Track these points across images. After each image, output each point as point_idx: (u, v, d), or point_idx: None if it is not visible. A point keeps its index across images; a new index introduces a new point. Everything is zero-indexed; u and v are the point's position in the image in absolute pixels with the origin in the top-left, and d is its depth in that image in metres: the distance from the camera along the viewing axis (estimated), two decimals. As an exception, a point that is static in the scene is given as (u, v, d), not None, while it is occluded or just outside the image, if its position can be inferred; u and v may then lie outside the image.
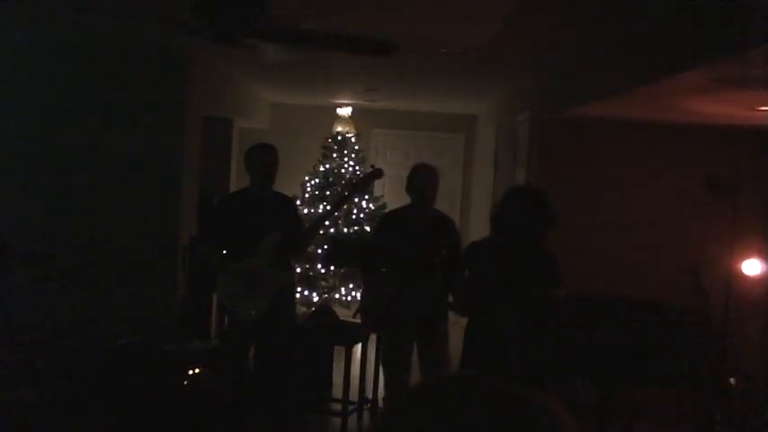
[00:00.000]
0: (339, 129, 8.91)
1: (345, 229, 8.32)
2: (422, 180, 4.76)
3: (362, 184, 5.41)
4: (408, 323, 4.53)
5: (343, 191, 5.72)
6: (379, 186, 8.98)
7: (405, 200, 9.54)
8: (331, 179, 8.50)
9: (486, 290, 3.75)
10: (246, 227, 4.57)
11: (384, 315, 4.57)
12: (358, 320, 5.83)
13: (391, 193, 9.45)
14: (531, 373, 3.06)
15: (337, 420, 5.05)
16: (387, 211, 5.01)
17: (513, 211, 3.73)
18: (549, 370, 3.21)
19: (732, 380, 4.73)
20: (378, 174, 5.20)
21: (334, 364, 5.97)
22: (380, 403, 5.12)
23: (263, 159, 4.59)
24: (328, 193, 8.42)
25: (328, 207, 8.32)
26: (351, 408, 5.07)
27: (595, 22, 4.29)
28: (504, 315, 3.42)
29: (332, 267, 8.10)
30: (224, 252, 4.65)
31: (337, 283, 8.30)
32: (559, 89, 5.48)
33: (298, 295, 8.18)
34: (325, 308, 7.79)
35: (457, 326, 4.60)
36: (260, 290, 4.51)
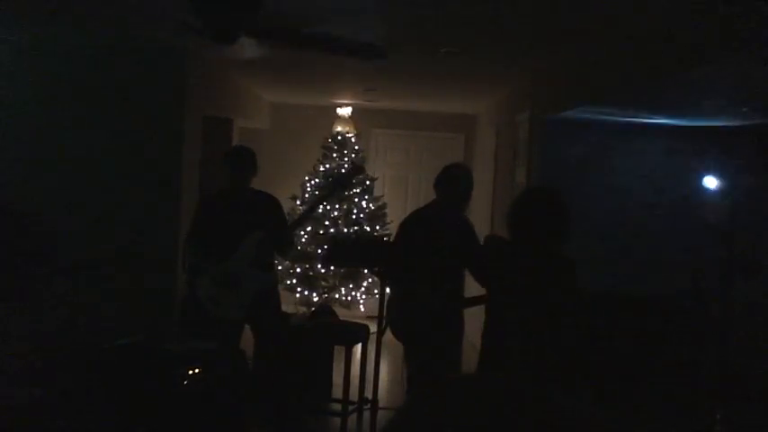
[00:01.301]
0: (339, 129, 8.91)
1: (345, 230, 8.32)
2: (461, 181, 4.57)
3: (343, 182, 5.40)
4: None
5: (324, 189, 5.68)
6: (379, 186, 8.99)
7: (404, 200, 9.51)
8: (331, 179, 8.50)
9: (497, 291, 3.67)
10: (227, 227, 4.62)
11: (408, 324, 4.43)
12: (361, 321, 5.82)
13: (391, 193, 9.46)
14: (533, 373, 3.05)
15: (337, 420, 5.04)
16: (409, 214, 4.83)
17: (524, 213, 3.51)
18: (551, 370, 3.21)
19: (732, 379, 4.73)
20: (357, 170, 5.19)
21: (334, 364, 5.97)
22: (380, 404, 5.12)
23: (234, 164, 4.68)
24: (328, 192, 8.42)
25: (327, 206, 8.34)
26: (351, 408, 5.07)
27: (595, 22, 4.29)
28: (509, 318, 3.37)
29: (332, 267, 8.10)
30: (207, 255, 4.68)
31: (337, 283, 8.30)
32: (559, 89, 5.48)
33: (297, 295, 8.19)
34: (325, 308, 7.79)
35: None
36: (241, 290, 4.56)
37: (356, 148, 8.81)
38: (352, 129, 8.95)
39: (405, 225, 4.65)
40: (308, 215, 5.34)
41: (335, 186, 5.40)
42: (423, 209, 4.76)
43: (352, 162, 8.02)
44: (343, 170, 8.42)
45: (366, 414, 5.19)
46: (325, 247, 7.58)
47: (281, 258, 5.13)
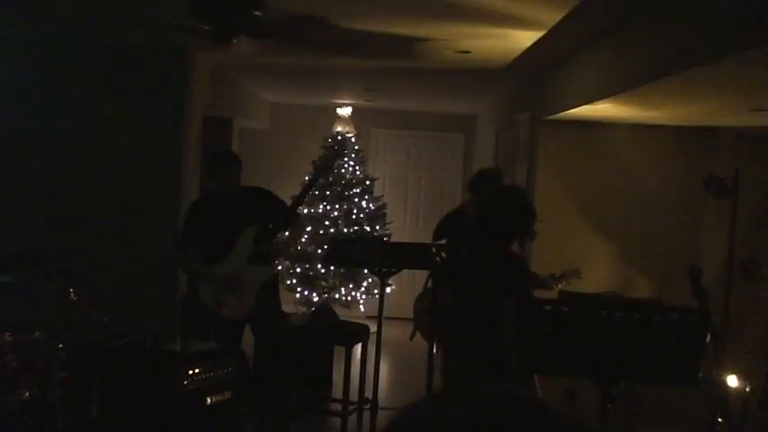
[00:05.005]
0: (339, 129, 8.90)
1: (345, 230, 8.32)
2: (488, 182, 4.61)
3: (325, 165, 5.49)
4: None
5: (312, 176, 5.70)
6: (379, 186, 8.99)
7: (404, 200, 9.53)
8: (331, 179, 8.50)
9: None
10: (219, 228, 4.61)
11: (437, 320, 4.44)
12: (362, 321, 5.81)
13: (391, 193, 9.46)
14: (525, 375, 3.05)
15: (337, 420, 5.04)
16: (448, 211, 4.92)
17: (495, 212, 3.46)
18: (550, 371, 3.20)
19: (732, 380, 4.73)
20: (338, 153, 5.19)
21: (334, 364, 5.97)
22: (380, 404, 5.12)
23: (221, 174, 4.67)
24: (328, 192, 8.42)
25: (328, 206, 8.34)
26: (351, 408, 5.07)
27: (594, 23, 4.29)
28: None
29: (332, 267, 8.10)
30: (202, 258, 4.67)
31: (337, 283, 8.29)
32: (559, 89, 5.48)
33: (297, 295, 8.19)
34: (325, 308, 7.79)
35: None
36: (244, 287, 4.56)
37: (356, 148, 8.81)
38: (352, 129, 8.94)
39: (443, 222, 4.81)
40: (299, 203, 5.29)
41: (318, 171, 5.48)
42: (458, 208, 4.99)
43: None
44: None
45: (366, 414, 5.19)
46: (326, 246, 7.58)
47: (291, 242, 5.13)
